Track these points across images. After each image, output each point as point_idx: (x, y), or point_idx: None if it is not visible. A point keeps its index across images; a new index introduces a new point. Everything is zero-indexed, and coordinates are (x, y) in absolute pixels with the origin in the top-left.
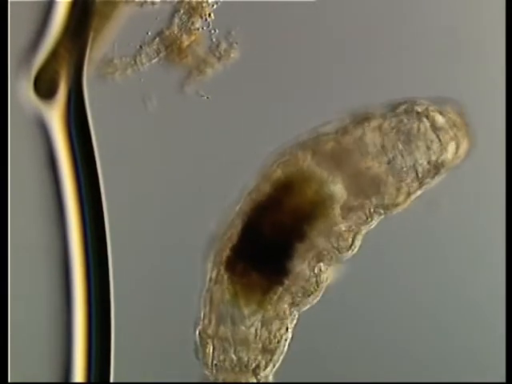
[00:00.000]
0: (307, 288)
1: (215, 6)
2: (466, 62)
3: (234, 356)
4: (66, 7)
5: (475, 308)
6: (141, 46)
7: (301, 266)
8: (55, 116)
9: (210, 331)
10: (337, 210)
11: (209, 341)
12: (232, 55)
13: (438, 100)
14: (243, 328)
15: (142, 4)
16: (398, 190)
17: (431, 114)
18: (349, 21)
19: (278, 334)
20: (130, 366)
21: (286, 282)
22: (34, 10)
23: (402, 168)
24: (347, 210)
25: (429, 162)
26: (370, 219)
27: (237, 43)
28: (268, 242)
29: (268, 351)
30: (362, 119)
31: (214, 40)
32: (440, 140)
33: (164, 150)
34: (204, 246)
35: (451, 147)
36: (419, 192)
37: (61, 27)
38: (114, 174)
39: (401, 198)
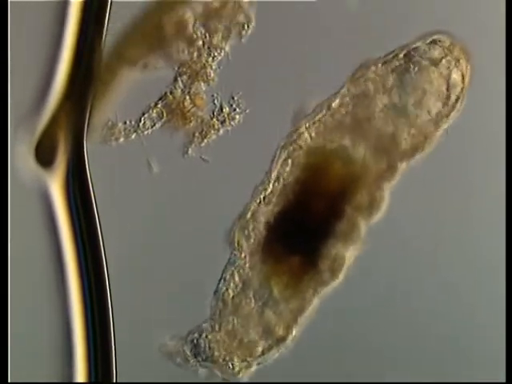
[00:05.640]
0: (334, 268)
1: (218, 70)
2: None
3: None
4: (67, 72)
5: (475, 308)
6: (143, 112)
7: (335, 247)
8: (56, 182)
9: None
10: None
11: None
12: (235, 119)
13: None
14: (268, 311)
15: (144, 69)
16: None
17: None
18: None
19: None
20: (129, 366)
21: (320, 264)
22: (36, 73)
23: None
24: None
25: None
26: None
27: (240, 107)
28: (306, 225)
29: (277, 339)
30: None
31: (216, 104)
32: (442, 72)
33: (168, 213)
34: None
35: (456, 74)
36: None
37: (62, 92)
38: (117, 238)
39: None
